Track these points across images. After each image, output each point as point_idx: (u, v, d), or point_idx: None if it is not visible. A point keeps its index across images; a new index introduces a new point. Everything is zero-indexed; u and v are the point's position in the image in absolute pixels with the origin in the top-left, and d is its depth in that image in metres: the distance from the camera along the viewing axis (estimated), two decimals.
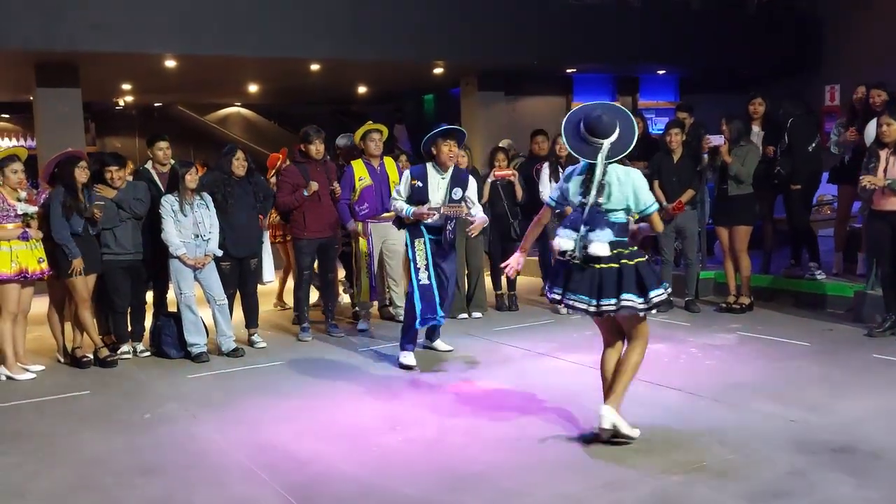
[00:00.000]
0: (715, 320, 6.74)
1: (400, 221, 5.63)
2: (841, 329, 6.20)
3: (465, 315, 7.20)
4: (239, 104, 16.15)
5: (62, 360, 6.10)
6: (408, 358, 5.57)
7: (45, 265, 5.62)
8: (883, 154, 5.71)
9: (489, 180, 7.30)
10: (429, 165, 5.55)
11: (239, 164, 6.21)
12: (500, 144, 8.01)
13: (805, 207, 7.33)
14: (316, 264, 6.74)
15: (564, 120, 4.06)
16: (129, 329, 6.24)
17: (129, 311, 6.21)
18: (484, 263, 7.46)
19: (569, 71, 11.79)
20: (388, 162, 6.93)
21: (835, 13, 12.33)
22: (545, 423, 4.33)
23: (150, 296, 6.46)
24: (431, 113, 14.40)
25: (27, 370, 5.74)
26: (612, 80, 12.68)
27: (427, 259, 5.46)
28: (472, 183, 5.71)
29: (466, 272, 7.27)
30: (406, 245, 5.55)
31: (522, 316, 7.31)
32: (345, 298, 7.96)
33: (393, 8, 9.40)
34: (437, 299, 5.46)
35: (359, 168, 6.76)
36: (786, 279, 7.38)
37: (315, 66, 9.98)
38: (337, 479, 3.66)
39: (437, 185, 5.52)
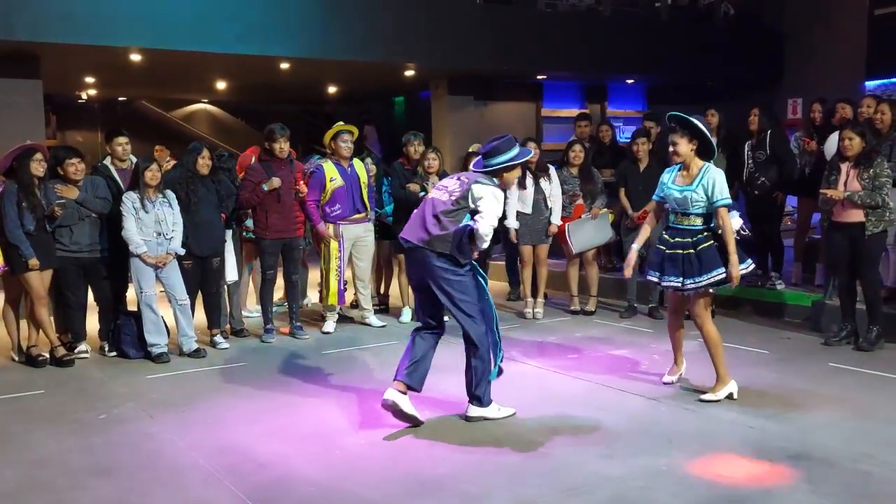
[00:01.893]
0: None
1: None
2: (799, 338, 6.31)
3: None
4: (206, 101, 15.95)
5: (17, 358, 5.95)
6: (504, 410, 4.48)
7: (0, 261, 5.47)
8: (844, 167, 5.83)
9: None
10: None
11: (204, 163, 6.12)
12: (471, 149, 8.02)
13: (778, 217, 7.46)
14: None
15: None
16: (100, 328, 6.11)
17: (85, 308, 6.08)
18: None
19: (539, 77, 11.87)
20: (357, 163, 6.89)
21: (797, 29, 12.60)
22: (509, 427, 4.33)
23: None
24: (401, 115, 14.38)
25: None
26: (581, 88, 12.79)
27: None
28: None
29: None
30: (480, 277, 4.56)
31: None
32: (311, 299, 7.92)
33: (364, 9, 9.36)
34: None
35: (329, 169, 6.71)
36: (746, 288, 7.49)
37: (285, 65, 9.90)
38: (298, 482, 3.61)
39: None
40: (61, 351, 5.80)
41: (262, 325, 6.61)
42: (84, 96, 13.71)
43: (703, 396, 4.73)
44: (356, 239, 6.77)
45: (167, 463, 3.89)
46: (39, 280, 5.65)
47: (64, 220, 5.75)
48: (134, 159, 6.28)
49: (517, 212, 7.17)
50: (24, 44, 7.85)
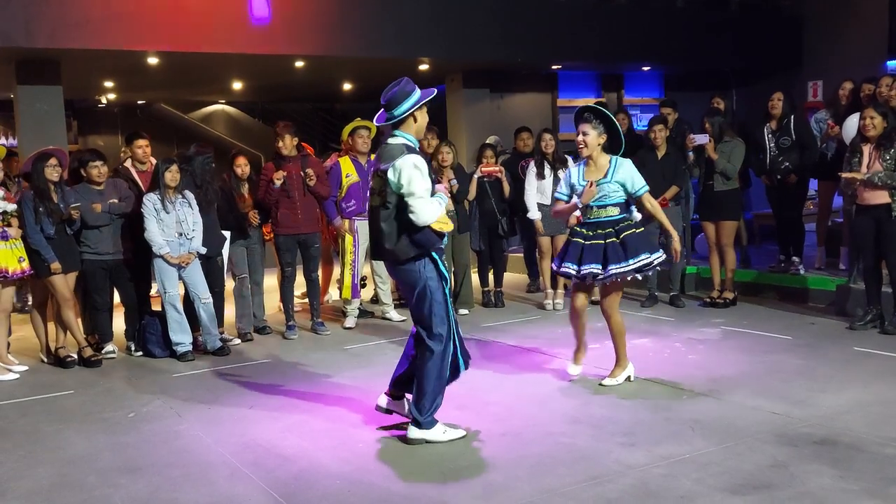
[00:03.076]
0: (699, 315, 6.78)
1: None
2: (823, 323, 6.26)
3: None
4: (223, 102, 16.06)
5: (46, 360, 6.06)
6: (454, 431, 4.04)
7: (25, 264, 5.57)
8: (865, 149, 5.75)
9: (475, 177, 7.31)
10: (409, 144, 4.01)
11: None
12: (488, 141, 8.03)
13: (800, 202, 7.40)
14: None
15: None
16: (126, 329, 6.20)
17: (111, 309, 6.17)
18: (471, 260, 7.46)
19: (554, 68, 11.81)
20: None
21: (817, 11, 12.43)
22: (530, 418, 4.34)
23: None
24: None
25: (10, 370, 5.70)
26: (597, 77, 12.71)
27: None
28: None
29: (453, 269, 7.28)
30: (440, 272, 3.99)
31: (509, 312, 7.33)
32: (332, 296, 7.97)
33: (378, 5, 9.37)
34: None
35: (346, 165, 6.76)
36: (769, 274, 7.45)
37: (300, 63, 9.95)
38: (322, 476, 3.65)
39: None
40: (89, 352, 5.90)
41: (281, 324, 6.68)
42: (104, 101, 13.86)
43: (604, 381, 4.84)
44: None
45: (195, 459, 3.95)
46: (64, 283, 5.75)
47: (95, 222, 5.83)
48: (154, 161, 6.36)
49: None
50: (44, 51, 7.96)
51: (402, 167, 3.82)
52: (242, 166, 6.47)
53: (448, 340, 4.00)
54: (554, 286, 7.38)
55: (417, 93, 3.95)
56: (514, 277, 8.81)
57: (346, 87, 13.01)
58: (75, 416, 4.74)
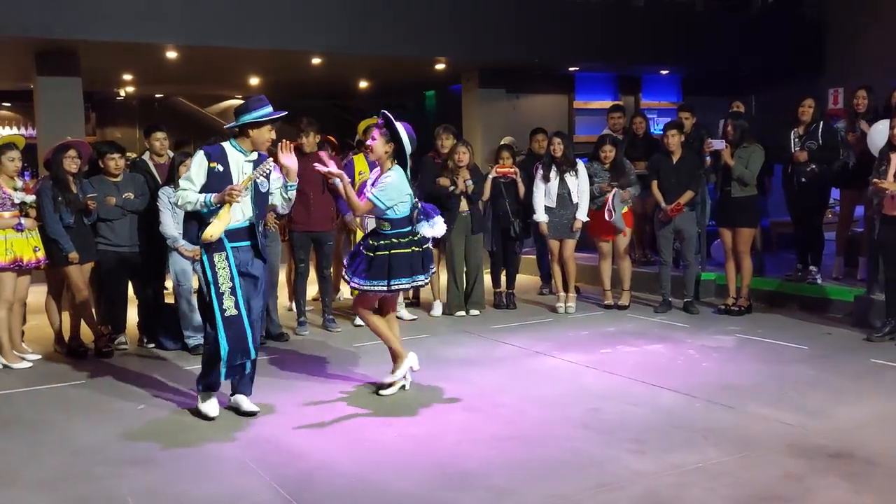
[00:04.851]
0: (713, 322, 6.72)
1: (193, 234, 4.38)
2: (840, 334, 6.18)
3: (463, 313, 7.18)
4: (240, 97, 16.10)
5: (59, 349, 6.08)
6: (209, 406, 4.40)
7: (40, 254, 5.59)
8: (894, 158, 5.67)
9: (490, 177, 7.28)
10: (226, 145, 4.41)
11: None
12: (504, 142, 7.99)
13: (821, 210, 7.32)
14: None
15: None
16: (139, 321, 6.22)
17: (126, 301, 6.19)
18: (484, 261, 7.43)
19: (571, 69, 11.75)
20: None
21: (839, 16, 12.30)
22: (539, 421, 4.31)
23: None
24: (432, 109, 14.36)
25: (23, 359, 5.73)
26: (614, 80, 12.64)
27: (233, 279, 4.20)
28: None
29: (465, 269, 7.25)
30: (204, 264, 4.23)
31: (520, 314, 7.29)
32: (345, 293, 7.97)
33: (396, 3, 9.36)
34: (250, 334, 4.24)
35: (360, 162, 6.75)
36: (786, 282, 7.37)
37: (316, 60, 9.95)
38: (329, 473, 3.64)
39: (241, 167, 4.38)
40: (102, 343, 5.92)
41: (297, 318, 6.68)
42: (122, 93, 13.92)
43: (386, 384, 4.82)
44: None
45: (203, 453, 3.95)
46: (80, 273, 5.77)
47: (107, 215, 5.86)
48: (171, 154, 6.37)
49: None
50: (65, 42, 8.00)
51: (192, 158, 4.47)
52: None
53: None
54: (566, 289, 7.33)
55: (266, 109, 4.37)
56: (527, 279, 8.78)
57: (363, 84, 13.01)
58: (86, 406, 4.75)
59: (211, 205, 4.21)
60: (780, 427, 4.13)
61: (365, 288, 4.67)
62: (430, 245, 4.77)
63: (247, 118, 4.34)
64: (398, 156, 4.72)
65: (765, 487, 3.40)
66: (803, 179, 6.95)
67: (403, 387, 4.86)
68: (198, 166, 4.30)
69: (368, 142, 4.87)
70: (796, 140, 7.03)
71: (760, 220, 7.27)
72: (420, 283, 4.88)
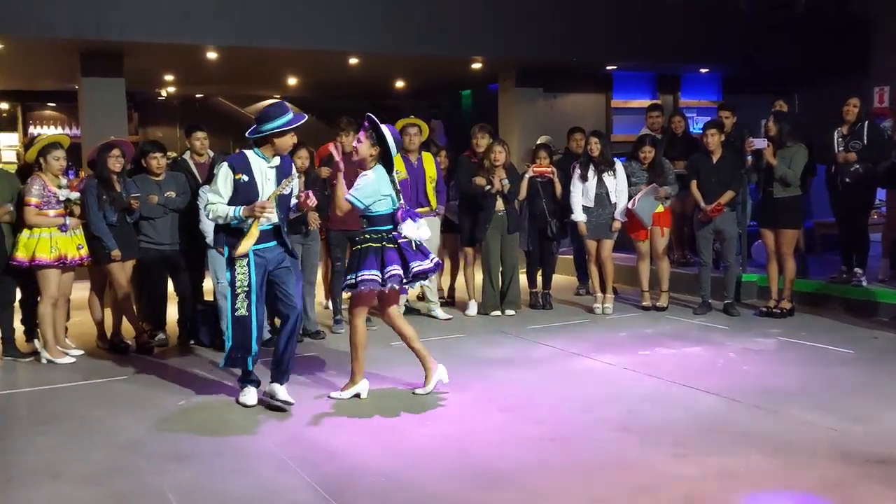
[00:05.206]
0: (755, 324, 6.60)
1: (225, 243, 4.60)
2: (886, 337, 6.02)
3: (499, 313, 7.16)
4: (278, 97, 16.27)
5: (101, 345, 6.20)
6: (246, 396, 4.68)
7: (84, 251, 5.71)
8: None
9: (527, 176, 7.25)
10: (249, 153, 4.55)
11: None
12: (541, 141, 7.95)
13: (867, 211, 7.16)
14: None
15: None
16: (179, 318, 6.31)
17: (166, 298, 6.29)
18: (520, 261, 7.40)
19: (609, 68, 11.64)
20: (427, 157, 6.93)
21: (885, 13, 11.99)
22: (576, 423, 4.28)
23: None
24: (469, 108, 14.35)
25: (67, 354, 5.85)
26: (652, 78, 12.48)
27: (249, 284, 4.48)
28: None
29: (501, 269, 7.23)
30: (226, 265, 4.58)
31: (557, 315, 7.25)
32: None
33: (432, 3, 9.37)
34: (255, 334, 4.51)
35: (396, 162, 6.74)
36: (830, 284, 7.21)
37: (354, 60, 10.00)
38: (366, 473, 3.65)
39: (265, 174, 4.55)
40: (143, 339, 6.02)
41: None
42: (164, 93, 14.16)
43: (334, 394, 4.81)
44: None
45: (241, 450, 3.99)
46: (122, 270, 5.88)
47: (150, 214, 5.96)
48: (211, 154, 6.45)
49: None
50: (109, 43, 8.15)
51: (216, 173, 4.57)
52: (303, 159, 6.43)
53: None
54: (604, 290, 7.27)
55: (288, 116, 4.48)
56: (563, 280, 8.72)
57: (399, 84, 13.05)
58: (128, 401, 4.84)
59: (241, 218, 4.44)
60: (825, 432, 4.04)
61: (348, 282, 4.68)
62: (414, 243, 4.71)
63: (269, 127, 4.46)
64: (384, 158, 4.76)
65: (808, 494, 3.33)
66: (847, 180, 6.80)
67: (358, 395, 4.80)
68: (224, 179, 4.47)
69: (354, 143, 4.92)
70: (840, 140, 6.90)
71: (804, 221, 7.12)
72: (394, 272, 4.67)
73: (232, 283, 4.51)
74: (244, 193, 4.45)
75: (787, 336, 6.14)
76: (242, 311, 4.48)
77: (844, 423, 4.14)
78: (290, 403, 4.55)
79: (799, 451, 3.79)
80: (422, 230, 4.74)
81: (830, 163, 6.98)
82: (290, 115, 4.51)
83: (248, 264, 4.47)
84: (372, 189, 4.64)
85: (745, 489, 3.37)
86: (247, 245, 4.44)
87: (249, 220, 4.44)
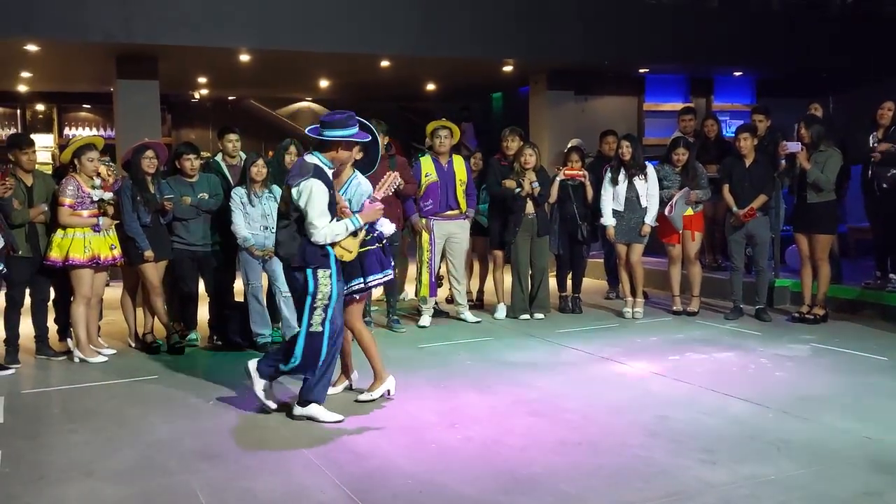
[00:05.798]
0: (787, 330, 6.50)
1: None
2: None
3: (527, 316, 7.13)
4: (310, 99, 16.40)
5: (133, 344, 6.29)
6: (323, 413, 4.42)
7: (117, 252, 5.80)
8: None
9: (558, 179, 7.21)
10: (318, 161, 4.34)
11: (290, 159, 6.28)
12: (572, 144, 7.91)
13: None
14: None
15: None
16: (210, 318, 6.37)
17: (197, 299, 6.36)
18: (550, 264, 7.37)
19: (641, 71, 11.55)
20: (457, 160, 6.94)
21: None
22: (606, 428, 4.24)
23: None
24: (499, 111, 14.33)
25: (99, 353, 5.94)
26: (685, 81, 12.35)
27: (330, 297, 4.28)
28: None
29: (531, 272, 7.20)
30: (307, 275, 4.27)
31: (586, 319, 7.20)
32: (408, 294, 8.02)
33: (464, 5, 9.37)
34: (325, 352, 4.32)
35: (426, 164, 6.80)
36: (865, 290, 7.07)
37: (385, 63, 10.04)
38: (394, 475, 3.66)
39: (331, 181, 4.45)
40: (174, 338, 6.10)
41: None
42: (197, 96, 14.35)
43: (360, 397, 4.75)
44: (449, 235, 6.82)
45: (271, 449, 4.02)
46: (154, 271, 5.96)
47: (183, 215, 6.03)
48: (244, 156, 6.52)
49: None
50: (144, 46, 8.28)
51: (304, 189, 4.21)
52: None
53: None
54: (634, 294, 7.21)
55: (353, 130, 4.39)
56: (593, 283, 8.66)
57: (430, 86, 13.08)
58: (159, 400, 4.90)
59: (360, 225, 4.35)
60: (859, 440, 3.96)
61: (357, 287, 4.66)
62: (385, 242, 4.74)
63: (341, 134, 4.33)
64: (369, 164, 4.79)
65: (841, 502, 3.27)
66: (885, 185, 6.68)
67: (388, 392, 4.79)
68: (323, 196, 4.20)
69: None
70: (875, 144, 6.80)
71: (838, 227, 6.99)
72: (389, 276, 4.83)
73: (313, 295, 4.25)
74: (330, 205, 4.27)
75: (820, 342, 6.03)
76: (317, 328, 4.28)
77: (880, 432, 4.05)
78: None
79: (832, 459, 3.73)
80: (385, 227, 4.72)
81: (866, 166, 6.86)
82: (357, 128, 4.41)
83: (332, 275, 4.27)
84: (358, 195, 4.59)
85: (777, 497, 3.32)
86: (354, 246, 4.34)
87: (362, 223, 4.36)
